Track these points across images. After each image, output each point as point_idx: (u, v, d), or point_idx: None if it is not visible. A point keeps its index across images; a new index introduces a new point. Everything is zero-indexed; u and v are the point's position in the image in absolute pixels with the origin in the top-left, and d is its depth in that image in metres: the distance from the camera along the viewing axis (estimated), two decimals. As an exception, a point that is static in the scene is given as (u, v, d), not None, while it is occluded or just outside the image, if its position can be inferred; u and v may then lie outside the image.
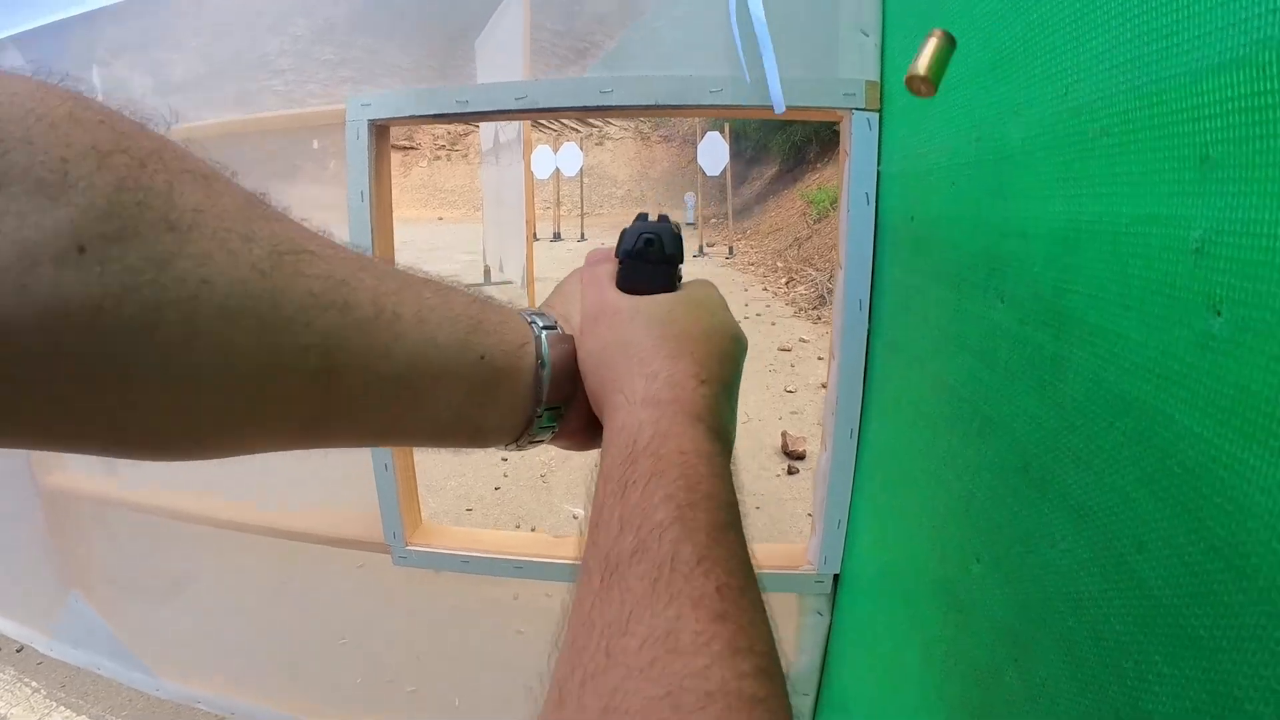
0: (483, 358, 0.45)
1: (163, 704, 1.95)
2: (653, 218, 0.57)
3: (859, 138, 0.93)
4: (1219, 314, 0.33)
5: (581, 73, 1.08)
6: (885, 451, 0.94)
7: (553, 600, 1.31)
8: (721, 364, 0.48)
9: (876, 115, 0.93)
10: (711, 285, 0.56)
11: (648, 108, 0.99)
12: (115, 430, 0.33)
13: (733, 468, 0.44)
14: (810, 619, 1.18)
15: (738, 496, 0.41)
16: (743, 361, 0.52)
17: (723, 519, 0.37)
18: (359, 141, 1.11)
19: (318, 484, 1.45)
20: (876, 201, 0.93)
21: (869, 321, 0.96)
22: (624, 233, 0.55)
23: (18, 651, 2.38)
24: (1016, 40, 0.55)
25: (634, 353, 0.47)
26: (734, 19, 0.94)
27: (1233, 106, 0.32)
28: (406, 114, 1.09)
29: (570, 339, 0.51)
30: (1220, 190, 0.33)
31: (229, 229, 0.33)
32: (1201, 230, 0.34)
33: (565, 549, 1.23)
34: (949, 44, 0.53)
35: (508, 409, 0.48)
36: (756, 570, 0.37)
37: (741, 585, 0.34)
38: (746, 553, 0.37)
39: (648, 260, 0.54)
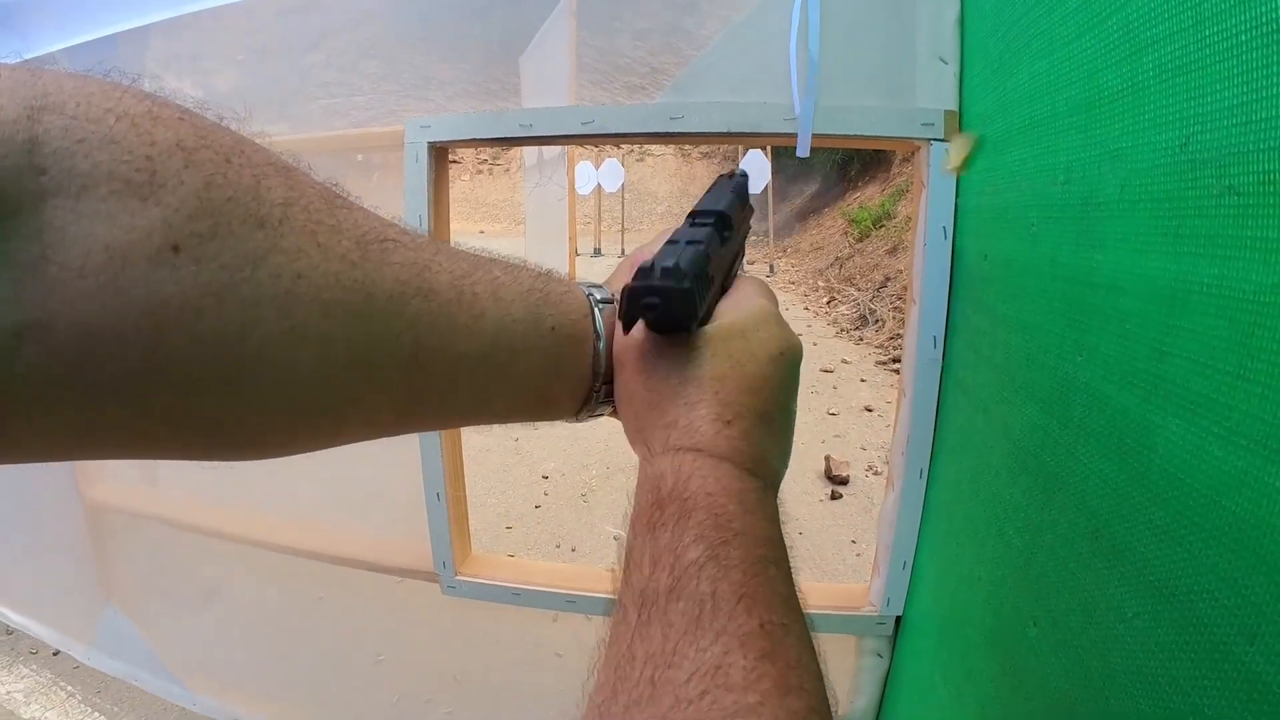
0: (553, 329, 0.46)
1: (197, 718, 1.95)
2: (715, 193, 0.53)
3: (937, 169, 0.90)
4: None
5: (624, 90, 1.07)
6: (951, 496, 0.90)
7: (592, 624, 1.28)
8: (753, 396, 0.45)
9: (955, 146, 0.90)
10: (755, 292, 0.52)
11: (719, 135, 0.96)
12: (217, 435, 0.33)
13: (780, 501, 0.43)
14: (869, 660, 1.14)
15: (781, 530, 0.40)
16: (790, 378, 0.48)
17: (759, 554, 0.36)
18: (418, 164, 1.10)
19: (364, 508, 1.45)
20: (954, 236, 0.90)
21: (943, 359, 0.93)
22: (623, 291, 0.44)
23: (55, 655, 2.43)
24: (1124, 81, 0.51)
25: (654, 402, 0.45)
26: (793, 55, 0.92)
27: None
28: (468, 136, 1.08)
29: None
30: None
31: (317, 221, 0.33)
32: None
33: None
34: None
35: (575, 378, 0.49)
36: (804, 607, 0.36)
37: (785, 623, 0.33)
38: (791, 589, 0.37)
39: (654, 326, 0.46)
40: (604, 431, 4.40)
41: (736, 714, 0.28)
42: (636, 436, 0.46)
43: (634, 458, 0.45)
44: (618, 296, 0.49)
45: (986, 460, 0.77)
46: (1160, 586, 0.45)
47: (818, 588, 1.16)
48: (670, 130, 0.97)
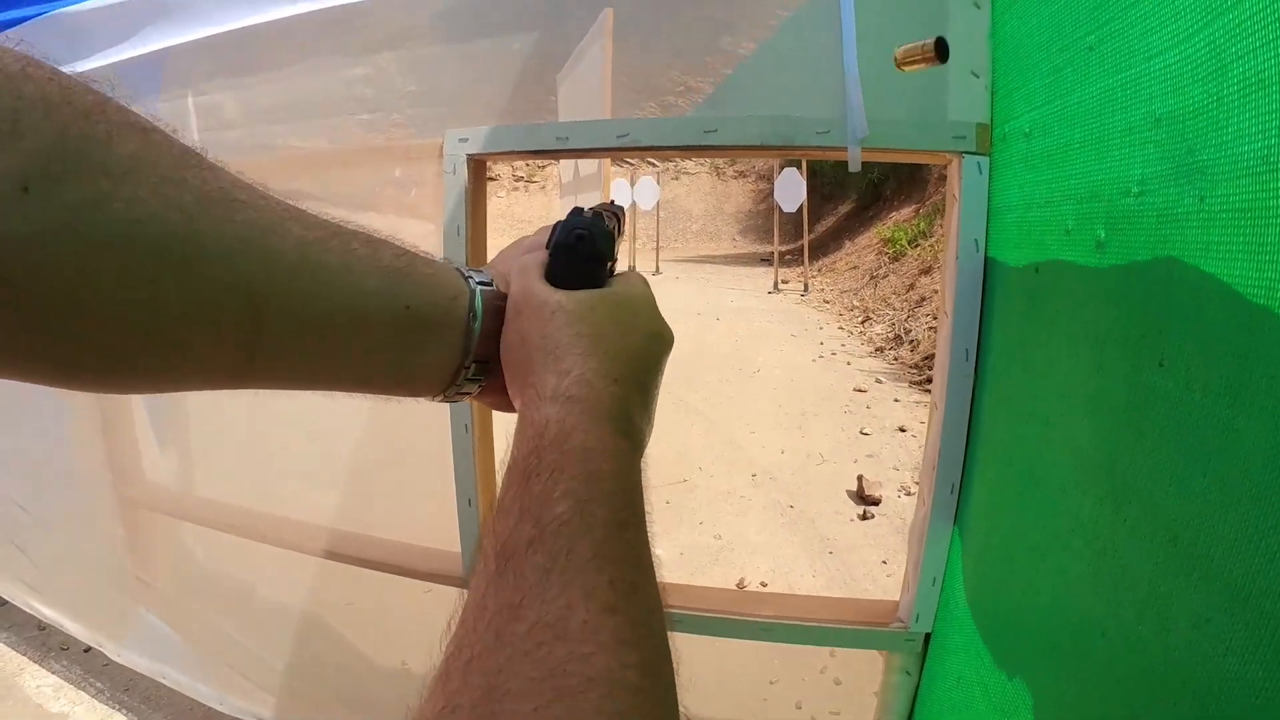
0: (408, 308, 0.47)
1: (223, 717, 1.97)
2: (600, 204, 0.57)
3: (969, 182, 0.90)
4: None
5: (659, 108, 1.08)
6: (992, 510, 0.89)
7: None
8: (638, 363, 0.49)
9: (987, 159, 0.90)
10: (641, 280, 0.57)
11: (752, 148, 0.97)
12: (60, 361, 0.36)
13: (643, 465, 0.46)
14: (898, 678, 1.13)
15: (644, 495, 0.43)
16: (664, 360, 0.54)
17: (622, 517, 0.39)
18: (456, 176, 1.11)
19: (396, 513, 1.46)
20: (986, 248, 0.89)
21: (975, 373, 0.92)
22: (556, 225, 0.55)
23: (85, 651, 2.46)
24: (1208, 97, 0.51)
25: (550, 348, 0.47)
26: (849, 71, 0.92)
27: None
28: (505, 149, 1.09)
29: (504, 296, 0.53)
30: None
31: (163, 176, 0.36)
32: None
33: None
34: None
35: (435, 359, 0.50)
36: (657, 571, 0.39)
37: (634, 581, 0.36)
38: (646, 551, 0.39)
39: (577, 255, 0.53)
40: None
41: (567, 663, 0.30)
42: (523, 381, 0.48)
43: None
44: (498, 281, 0.54)
45: (1039, 473, 0.77)
46: (1237, 590, 0.46)
47: (844, 603, 1.15)
48: (704, 143, 0.98)
